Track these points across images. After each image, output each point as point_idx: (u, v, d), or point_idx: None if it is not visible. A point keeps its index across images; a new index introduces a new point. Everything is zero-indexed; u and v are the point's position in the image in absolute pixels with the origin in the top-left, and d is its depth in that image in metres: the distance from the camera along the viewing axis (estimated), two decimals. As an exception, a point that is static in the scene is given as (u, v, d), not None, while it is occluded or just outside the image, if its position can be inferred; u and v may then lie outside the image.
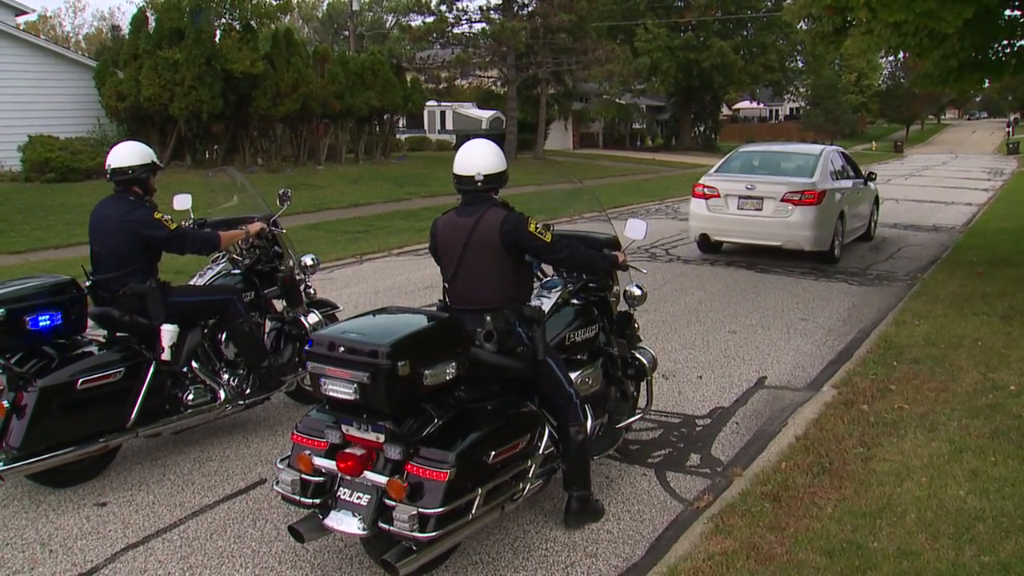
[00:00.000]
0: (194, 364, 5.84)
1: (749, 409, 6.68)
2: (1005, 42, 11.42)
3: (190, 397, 5.75)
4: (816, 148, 15.21)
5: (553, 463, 4.68)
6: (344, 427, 4.06)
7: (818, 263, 13.21)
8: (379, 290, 11.12)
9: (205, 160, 27.06)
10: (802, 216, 12.77)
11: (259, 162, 27.98)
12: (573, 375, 4.87)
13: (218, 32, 26.36)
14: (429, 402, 4.11)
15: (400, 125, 40.30)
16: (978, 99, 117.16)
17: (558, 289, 5.25)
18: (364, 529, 3.90)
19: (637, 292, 5.62)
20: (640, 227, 5.50)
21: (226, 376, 6.02)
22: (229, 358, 6.12)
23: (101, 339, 5.60)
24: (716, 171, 14.59)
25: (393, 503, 3.83)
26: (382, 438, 3.94)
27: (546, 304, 5.05)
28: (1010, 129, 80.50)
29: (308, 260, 6.80)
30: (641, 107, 60.56)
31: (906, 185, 31.34)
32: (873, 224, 16.51)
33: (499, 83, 42.27)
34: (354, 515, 3.93)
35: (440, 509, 3.78)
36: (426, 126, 45.38)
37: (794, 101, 79.33)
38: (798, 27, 20.58)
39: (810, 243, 12.91)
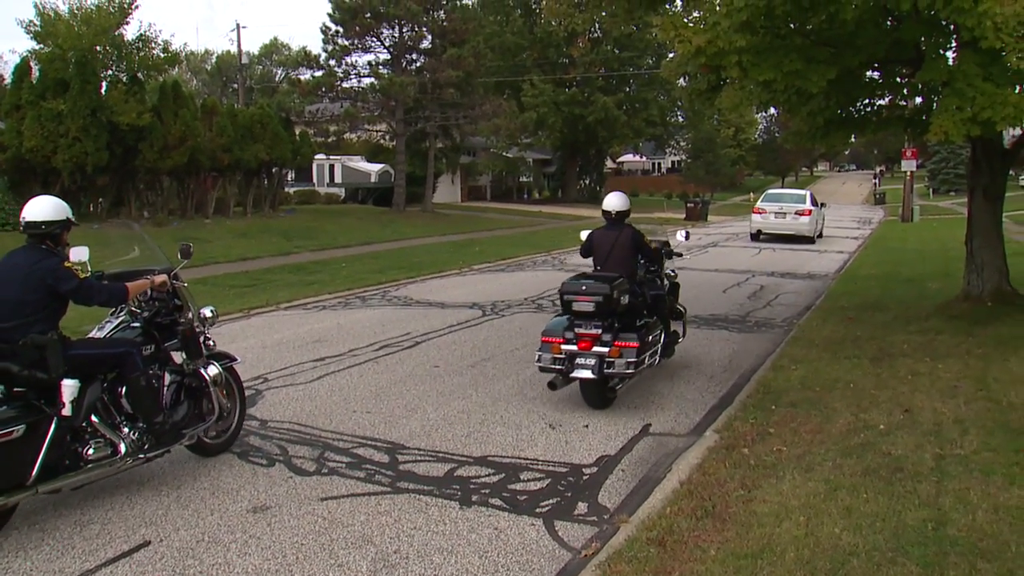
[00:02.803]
0: (94, 418, 5.70)
1: (635, 456, 6.80)
2: (867, 101, 12.02)
3: (90, 452, 5.61)
4: (804, 191, 32.70)
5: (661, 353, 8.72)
6: (576, 329, 7.83)
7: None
8: (266, 344, 10.98)
9: (90, 213, 26.40)
10: (804, 220, 28.73)
11: (145, 215, 27.43)
12: None
13: (104, 84, 25.90)
14: (616, 316, 7.93)
15: (289, 178, 40.07)
16: (847, 152, 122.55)
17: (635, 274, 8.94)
18: (594, 375, 7.68)
19: (672, 273, 9.94)
20: (684, 235, 10.84)
21: (126, 430, 5.89)
22: (129, 411, 5.99)
23: None
24: (761, 202, 30.68)
25: (612, 360, 7.68)
26: (600, 331, 7.76)
27: None
28: (877, 181, 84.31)
29: (207, 312, 6.83)
30: (528, 160, 61.46)
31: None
32: (823, 229, 31.53)
33: (388, 137, 42.46)
34: (588, 370, 7.69)
35: (635, 359, 7.73)
36: (315, 179, 45.12)
37: (676, 154, 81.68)
38: (678, 83, 21.35)
39: (809, 233, 28.72)
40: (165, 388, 6.33)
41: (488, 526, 5.41)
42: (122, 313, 6.42)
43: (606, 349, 7.65)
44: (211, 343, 6.84)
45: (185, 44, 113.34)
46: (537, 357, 7.97)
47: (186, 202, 28.99)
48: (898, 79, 11.43)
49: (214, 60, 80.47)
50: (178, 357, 6.57)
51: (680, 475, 6.08)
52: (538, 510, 5.70)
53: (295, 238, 26.48)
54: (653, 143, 70.33)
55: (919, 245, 26.30)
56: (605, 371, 7.67)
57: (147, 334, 6.32)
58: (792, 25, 9.53)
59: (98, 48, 26.39)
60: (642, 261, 9.06)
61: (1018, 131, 11.69)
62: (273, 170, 33.39)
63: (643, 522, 5.26)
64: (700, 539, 4.96)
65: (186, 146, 26.61)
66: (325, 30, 38.33)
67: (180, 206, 29.00)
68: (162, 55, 28.74)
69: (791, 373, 8.96)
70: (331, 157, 44.57)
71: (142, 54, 27.90)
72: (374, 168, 45.86)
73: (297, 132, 35.53)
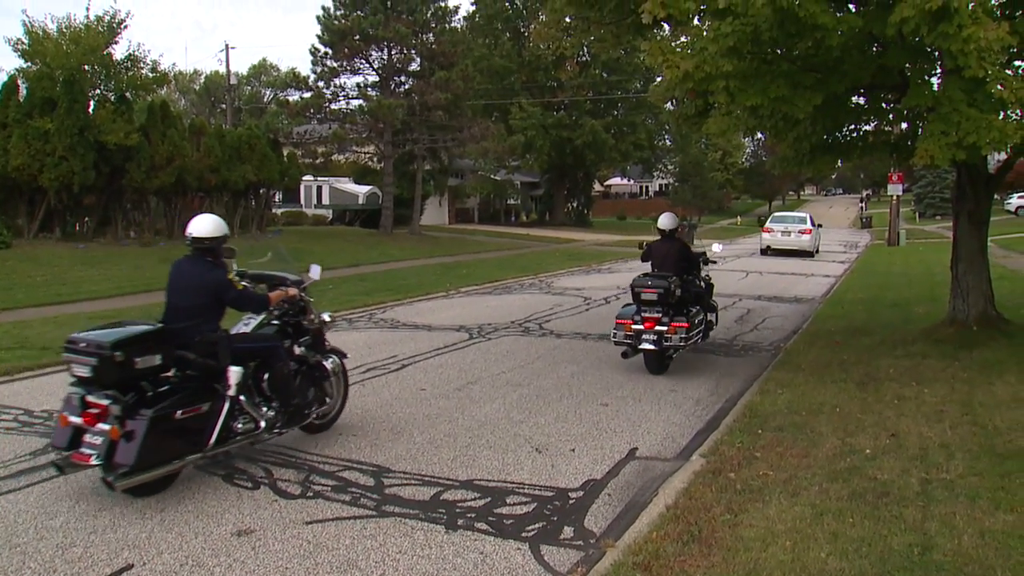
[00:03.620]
0: (242, 398, 6.90)
1: (621, 480, 6.78)
2: (853, 126, 12.10)
3: (239, 426, 6.88)
4: (805, 214, 38.42)
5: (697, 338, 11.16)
6: (642, 313, 10.42)
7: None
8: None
9: (76, 233, 26.30)
10: (806, 238, 33.87)
11: (131, 235, 27.35)
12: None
13: (92, 103, 25.88)
14: (670, 305, 10.44)
15: (276, 199, 40.02)
16: (834, 177, 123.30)
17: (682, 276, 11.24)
18: (655, 347, 10.31)
19: (707, 276, 12.28)
20: (719, 247, 14.11)
21: (265, 409, 7.15)
22: (267, 394, 7.25)
23: (171, 376, 6.60)
24: (769, 222, 36.22)
25: (669, 336, 10.26)
26: (660, 314, 10.34)
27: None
28: (863, 204, 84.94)
29: (326, 317, 8.23)
30: (516, 183, 61.63)
31: (769, 258, 32.67)
32: (820, 245, 36.70)
33: (376, 159, 42.50)
34: (651, 343, 10.30)
35: (686, 335, 10.36)
36: (302, 201, 45.13)
37: (663, 178, 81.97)
38: (665, 108, 21.45)
39: (810, 248, 33.87)
40: None
41: (474, 550, 5.38)
42: (261, 314, 7.67)
43: (664, 328, 10.39)
44: (327, 342, 8.22)
45: (174, 64, 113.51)
46: (612, 334, 10.74)
47: (173, 222, 28.92)
48: (884, 105, 11.50)
49: (203, 80, 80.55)
50: (296, 350, 7.79)
51: (666, 499, 6.07)
52: (524, 534, 5.67)
53: (282, 259, 26.40)
54: (641, 166, 70.61)
55: (905, 269, 26.45)
56: (664, 343, 10.41)
57: (282, 331, 7.71)
58: (778, 51, 9.60)
59: (86, 67, 26.39)
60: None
61: (1003, 156, 11.78)
62: (260, 191, 33.39)
63: (629, 546, 5.25)
64: (686, 564, 4.95)
65: (173, 166, 26.59)
66: (314, 52, 38.48)
67: (167, 226, 28.95)
68: (150, 75, 28.76)
69: (777, 397, 8.98)
70: (319, 179, 44.59)
71: (130, 74, 27.91)
72: (362, 190, 45.91)
73: (285, 153, 35.55)
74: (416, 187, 41.45)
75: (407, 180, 42.30)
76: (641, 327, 10.44)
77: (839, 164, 14.18)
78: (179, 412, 6.25)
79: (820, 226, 37.07)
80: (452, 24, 41.88)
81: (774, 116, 10.44)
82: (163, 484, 6.32)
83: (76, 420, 6.09)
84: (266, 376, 7.26)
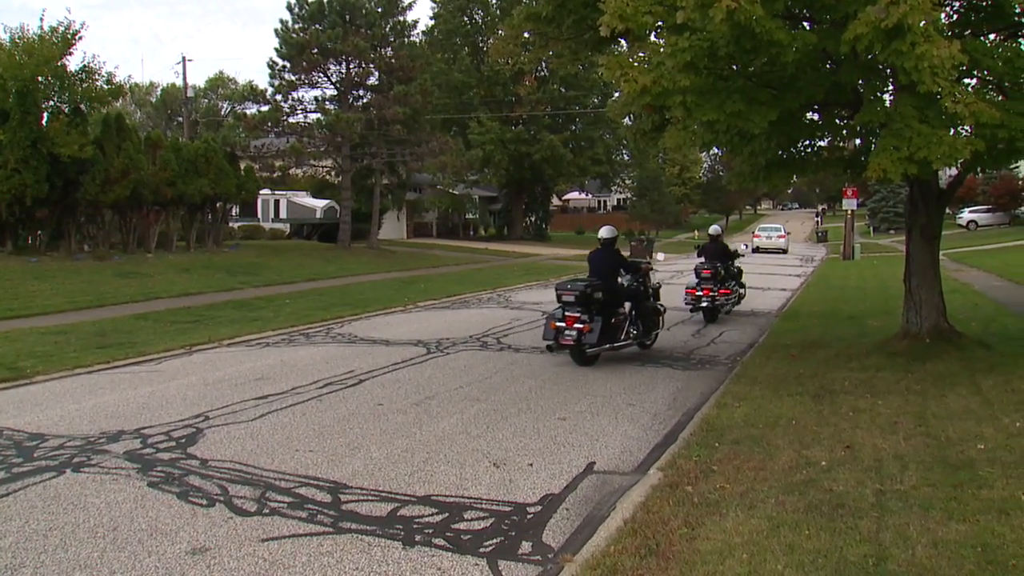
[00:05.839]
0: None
1: (579, 495, 6.75)
2: (808, 142, 12.22)
3: (622, 336, 12.57)
4: (780, 225, 62.37)
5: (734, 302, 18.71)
6: (700, 285, 17.27)
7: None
8: (208, 382, 10.80)
9: (28, 246, 25.89)
10: (782, 240, 54.20)
11: (85, 249, 26.95)
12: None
13: (46, 115, 25.54)
14: (718, 281, 17.55)
15: (233, 213, 39.69)
16: (790, 191, 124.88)
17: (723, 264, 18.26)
18: (709, 306, 17.19)
19: (737, 264, 19.01)
20: (745, 247, 22.82)
21: (633, 328, 12.94)
22: (635, 320, 12.99)
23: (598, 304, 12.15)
24: (758, 230, 58.59)
25: (719, 299, 17.41)
26: (712, 286, 17.21)
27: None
28: (819, 219, 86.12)
29: (656, 283, 14.19)
30: (474, 197, 61.70)
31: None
32: (789, 246, 54.89)
33: (334, 173, 42.32)
34: (708, 303, 17.20)
35: (728, 298, 17.88)
36: (260, 214, 44.80)
37: (621, 192, 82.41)
38: (623, 122, 21.57)
39: (784, 247, 53.50)
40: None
41: (431, 566, 5.34)
42: (629, 276, 13.28)
43: (715, 294, 16.84)
44: (660, 295, 14.21)
45: (130, 76, 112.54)
46: (684, 299, 17.26)
47: (128, 236, 28.58)
48: (837, 121, 11.62)
49: (159, 93, 79.87)
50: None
51: (624, 513, 6.06)
52: (482, 550, 5.62)
53: (239, 274, 26.21)
54: (599, 181, 71.05)
55: (860, 283, 26.80)
56: (714, 303, 16.99)
57: (639, 287, 13.37)
58: (735, 67, 9.70)
59: (40, 79, 26.03)
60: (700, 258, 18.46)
61: (954, 171, 11.97)
62: (217, 205, 33.10)
63: (587, 561, 5.23)
64: (644, 578, 4.94)
65: (129, 179, 26.29)
66: (272, 65, 38.28)
67: (122, 240, 28.59)
68: (106, 87, 28.41)
69: (735, 411, 9.02)
70: (276, 192, 44.26)
71: (85, 85, 27.57)
72: (320, 204, 45.67)
73: (242, 167, 35.26)
74: (374, 201, 41.34)
75: (365, 194, 42.18)
76: (701, 294, 16.90)
77: (794, 179, 14.49)
78: (612, 319, 12.20)
79: (789, 233, 57.98)
80: (411, 39, 41.93)
81: (730, 131, 10.54)
82: (593, 360, 12.15)
83: (560, 324, 11.79)
84: (634, 312, 13.00)
